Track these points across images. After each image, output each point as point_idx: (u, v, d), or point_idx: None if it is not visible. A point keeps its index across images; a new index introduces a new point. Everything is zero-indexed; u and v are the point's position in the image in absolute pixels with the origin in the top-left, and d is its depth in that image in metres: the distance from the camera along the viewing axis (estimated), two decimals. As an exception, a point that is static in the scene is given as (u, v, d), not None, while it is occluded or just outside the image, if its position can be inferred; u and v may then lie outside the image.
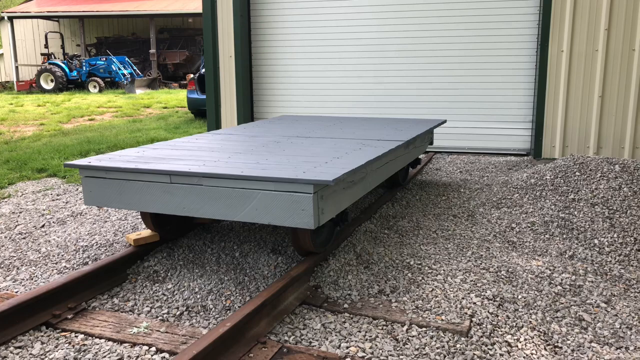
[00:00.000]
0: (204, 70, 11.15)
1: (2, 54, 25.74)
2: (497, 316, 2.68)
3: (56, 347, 2.43)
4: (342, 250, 3.39)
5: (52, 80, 20.04)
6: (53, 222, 4.36)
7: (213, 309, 2.79)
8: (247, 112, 7.75)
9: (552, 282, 3.06)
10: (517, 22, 6.80)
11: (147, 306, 2.83)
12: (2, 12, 25.14)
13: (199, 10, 19.79)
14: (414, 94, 7.33)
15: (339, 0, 7.46)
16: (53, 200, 5.09)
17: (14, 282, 3.16)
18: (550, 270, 3.21)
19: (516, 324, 2.62)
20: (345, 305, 2.78)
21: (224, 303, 2.84)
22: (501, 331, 2.56)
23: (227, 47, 7.56)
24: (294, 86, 7.86)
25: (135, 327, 2.57)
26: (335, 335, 2.52)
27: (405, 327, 2.57)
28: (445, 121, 5.47)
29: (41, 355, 2.36)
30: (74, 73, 20.35)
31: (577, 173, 4.67)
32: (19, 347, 2.41)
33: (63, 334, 2.54)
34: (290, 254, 3.41)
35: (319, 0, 7.54)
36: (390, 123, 5.15)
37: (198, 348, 2.17)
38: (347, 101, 7.61)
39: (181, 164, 3.12)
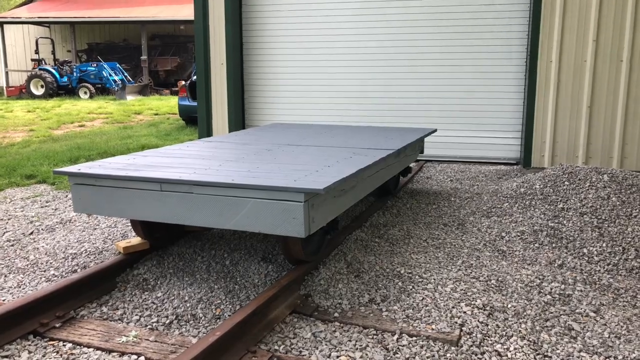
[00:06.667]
0: (195, 77, 11.16)
1: (-8, 59, 25.56)
2: (487, 325, 2.68)
3: (44, 356, 2.40)
4: (333, 259, 3.39)
5: (42, 86, 19.91)
6: (42, 229, 4.32)
7: (203, 318, 2.77)
8: (239, 119, 7.75)
9: (542, 291, 3.08)
10: (507, 32, 6.88)
11: (137, 315, 2.80)
12: (-7, 18, 24.99)
13: (191, 17, 19.75)
14: (404, 102, 7.38)
15: (330, 10, 7.51)
16: (42, 207, 5.05)
17: (1, 290, 3.12)
18: (539, 279, 3.23)
19: (506, 333, 2.63)
20: (336, 314, 2.78)
21: (214, 312, 2.82)
22: (491, 340, 2.56)
23: (218, 55, 7.57)
24: (285, 94, 7.87)
25: (124, 336, 2.55)
26: (326, 345, 2.51)
27: (396, 337, 2.57)
28: (435, 130, 5.50)
29: (28, 364, 2.33)
30: (65, 79, 20.23)
31: (566, 182, 4.72)
32: (6, 357, 2.38)
33: (51, 342, 2.51)
34: (281, 262, 3.41)
35: (311, 9, 7.58)
36: (381, 132, 5.17)
37: (187, 357, 2.15)
38: (339, 109, 7.64)
39: (172, 171, 3.11)
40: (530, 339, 2.58)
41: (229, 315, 2.77)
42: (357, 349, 2.47)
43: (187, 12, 20.89)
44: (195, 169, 3.21)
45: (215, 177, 2.93)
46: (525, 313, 2.82)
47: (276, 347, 2.49)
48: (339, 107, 7.64)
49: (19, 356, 2.39)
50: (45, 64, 20.86)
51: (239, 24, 7.72)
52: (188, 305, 2.88)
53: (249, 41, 7.86)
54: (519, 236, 4.00)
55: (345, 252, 3.51)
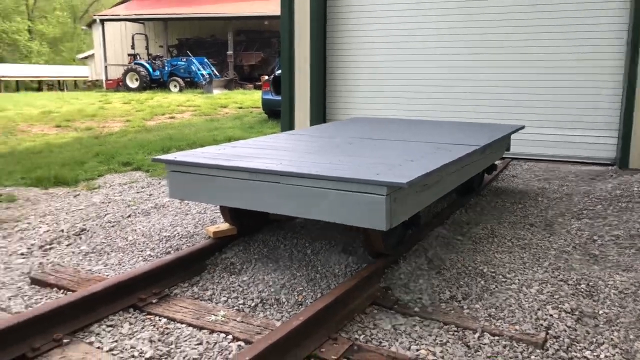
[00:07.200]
0: (278, 72, 11.42)
1: (94, 54, 27.61)
2: (576, 330, 2.58)
3: (142, 328, 2.61)
4: (413, 254, 3.38)
5: (136, 80, 21.24)
6: (138, 212, 4.65)
7: (286, 303, 2.88)
8: (320, 113, 7.87)
9: (638, 299, 2.90)
10: (603, 24, 6.45)
11: (224, 296, 2.96)
12: (95, 15, 26.99)
13: (275, 12, 20.25)
14: (490, 98, 7.14)
15: (413, 4, 7.41)
16: (138, 192, 5.42)
17: (105, 266, 3.42)
18: (635, 286, 3.04)
19: (596, 340, 2.51)
20: (416, 309, 2.78)
21: (296, 298, 2.92)
22: (579, 346, 2.46)
23: (302, 50, 7.72)
24: (366, 88, 7.89)
25: (214, 315, 2.71)
26: (406, 337, 2.53)
27: (477, 335, 2.53)
28: (523, 127, 5.30)
29: (129, 334, 2.54)
30: (157, 73, 21.44)
31: (669, 185, 4.38)
32: (110, 326, 2.62)
33: (148, 316, 2.72)
34: (361, 254, 3.45)
35: (394, 3, 7.52)
36: (465, 127, 5.07)
37: (272, 339, 2.26)
38: (420, 104, 7.54)
39: (259, 162, 3.24)
40: (623, 348, 2.45)
41: (310, 302, 2.86)
42: (437, 344, 2.47)
43: (271, 8, 21.40)
44: (280, 160, 3.32)
45: (300, 168, 3.02)
46: (618, 321, 2.67)
47: (356, 336, 2.54)
48: (421, 102, 7.54)
49: (122, 326, 2.61)
50: (140, 58, 22.22)
51: (323, 20, 7.82)
52: (272, 290, 3.00)
53: (332, 36, 7.95)
54: (613, 240, 3.78)
55: (426, 248, 3.49)
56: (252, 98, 16.86)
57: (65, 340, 2.42)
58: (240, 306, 2.85)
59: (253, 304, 2.87)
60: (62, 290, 3.01)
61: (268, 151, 3.69)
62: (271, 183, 3.05)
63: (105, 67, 24.97)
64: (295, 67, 7.78)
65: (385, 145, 3.92)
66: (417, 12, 7.40)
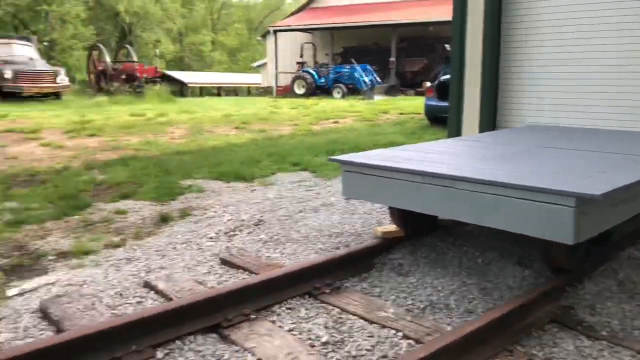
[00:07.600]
0: (443, 77, 11.20)
1: (266, 63, 29.97)
2: None
3: (317, 314, 2.77)
4: (601, 274, 3.09)
5: (303, 86, 22.50)
6: (308, 209, 4.92)
7: (455, 309, 2.82)
8: (490, 120, 7.54)
9: None
10: None
11: (393, 295, 3.00)
12: (269, 27, 29.31)
13: (439, 18, 19.98)
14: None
15: (594, 4, 6.72)
16: (307, 190, 5.75)
17: (281, 254, 3.69)
18: None
19: None
20: (604, 333, 2.53)
21: (466, 305, 2.85)
22: None
23: (474, 54, 7.47)
24: (542, 94, 7.35)
25: (383, 311, 2.76)
26: (592, 362, 2.32)
27: (683, 372, 2.22)
28: None
29: (305, 319, 2.72)
30: (322, 80, 22.47)
31: None
32: (289, 309, 2.82)
33: (322, 304, 2.88)
34: (537, 269, 3.24)
35: (571, 4, 6.91)
36: (666, 139, 4.47)
37: (446, 341, 2.25)
38: (609, 112, 6.78)
39: (432, 166, 3.23)
40: None
41: (482, 312, 2.76)
42: (631, 374, 2.22)
43: (435, 14, 21.14)
44: (453, 164, 3.27)
45: (476, 174, 2.94)
46: None
47: (534, 352, 2.39)
48: (609, 109, 6.79)
49: (299, 310, 2.80)
50: (307, 66, 23.51)
51: (497, 23, 7.50)
52: (441, 294, 2.96)
53: (507, 40, 7.57)
54: None
55: (615, 269, 3.16)
56: (413, 104, 16.79)
57: (252, 316, 2.66)
58: (409, 306, 2.87)
59: (422, 306, 2.86)
60: (246, 272, 3.32)
61: (438, 156, 3.66)
62: (444, 187, 3.02)
63: (276, 74, 26.90)
64: (465, 72, 7.58)
65: (570, 155, 3.64)
66: (597, 12, 6.71)
